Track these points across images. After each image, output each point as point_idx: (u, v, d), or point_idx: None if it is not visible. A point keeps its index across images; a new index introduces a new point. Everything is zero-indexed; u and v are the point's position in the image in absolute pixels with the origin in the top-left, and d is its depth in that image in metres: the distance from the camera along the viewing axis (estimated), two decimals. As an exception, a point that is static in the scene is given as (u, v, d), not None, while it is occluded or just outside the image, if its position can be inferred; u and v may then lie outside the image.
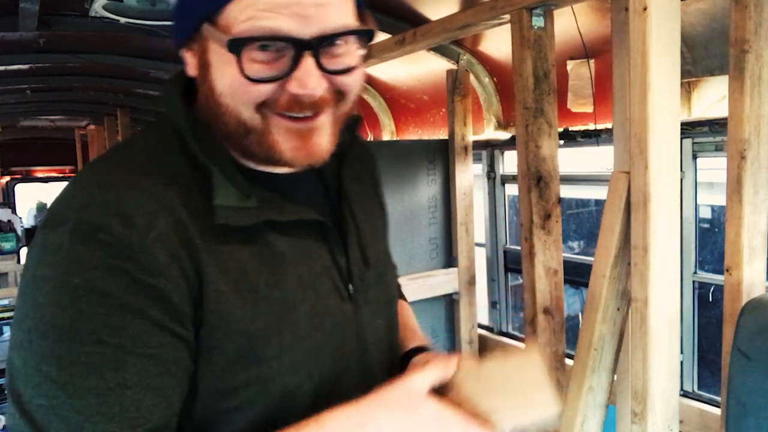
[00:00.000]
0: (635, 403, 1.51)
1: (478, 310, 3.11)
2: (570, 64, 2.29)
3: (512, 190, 2.99)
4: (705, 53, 1.91)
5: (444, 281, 3.02)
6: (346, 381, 0.77)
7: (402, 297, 1.09)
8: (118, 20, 2.48)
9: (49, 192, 8.71)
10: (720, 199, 1.60)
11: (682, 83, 1.75)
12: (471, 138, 2.97)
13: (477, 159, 3.07)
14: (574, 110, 2.33)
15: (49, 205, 0.67)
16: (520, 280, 2.20)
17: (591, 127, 2.33)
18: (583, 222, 5.05)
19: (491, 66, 2.86)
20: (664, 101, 1.42)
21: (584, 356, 1.63)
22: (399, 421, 0.69)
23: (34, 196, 8.91)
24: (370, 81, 3.59)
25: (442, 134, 3.21)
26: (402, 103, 3.62)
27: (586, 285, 1.69)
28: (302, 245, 0.74)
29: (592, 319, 1.62)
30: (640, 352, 1.48)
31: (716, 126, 1.89)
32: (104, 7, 2.35)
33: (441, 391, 0.75)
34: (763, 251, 1.51)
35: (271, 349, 0.69)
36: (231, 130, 0.69)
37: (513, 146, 2.22)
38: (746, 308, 1.43)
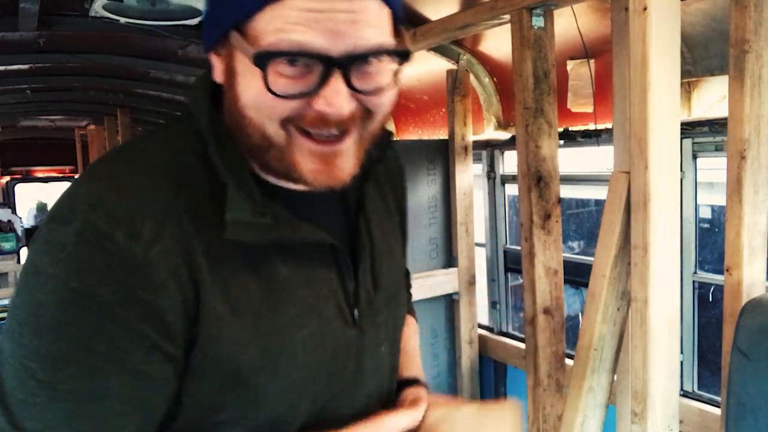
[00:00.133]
0: (635, 403, 1.51)
1: (478, 310, 3.11)
2: (570, 64, 2.29)
3: (512, 190, 2.99)
4: (705, 53, 1.91)
5: (444, 281, 3.02)
6: (338, 405, 0.76)
7: (411, 311, 1.08)
8: (118, 20, 2.48)
9: (49, 192, 8.72)
10: (720, 199, 1.60)
11: (682, 83, 1.75)
12: (471, 138, 2.97)
13: (477, 159, 3.07)
14: (574, 110, 2.33)
15: (61, 195, 0.65)
16: (520, 280, 2.20)
17: (591, 127, 2.33)
18: (583, 222, 5.05)
19: (491, 66, 2.86)
20: (664, 101, 1.42)
21: (584, 356, 1.63)
22: None
23: (34, 196, 8.92)
24: (370, 81, 3.59)
25: (442, 134, 3.21)
26: (402, 103, 3.62)
27: (586, 285, 1.69)
28: (310, 268, 0.72)
29: (592, 319, 1.62)
30: (640, 352, 1.48)
31: (716, 126, 1.89)
32: (104, 7, 2.35)
33: None
34: (763, 251, 1.51)
35: (264, 374, 0.68)
36: (254, 143, 0.66)
37: (513, 146, 2.22)
38: (746, 308, 1.43)
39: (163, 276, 0.61)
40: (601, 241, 1.63)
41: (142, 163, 0.66)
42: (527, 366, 2.04)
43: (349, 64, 0.61)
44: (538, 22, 1.81)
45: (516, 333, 3.05)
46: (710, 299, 2.42)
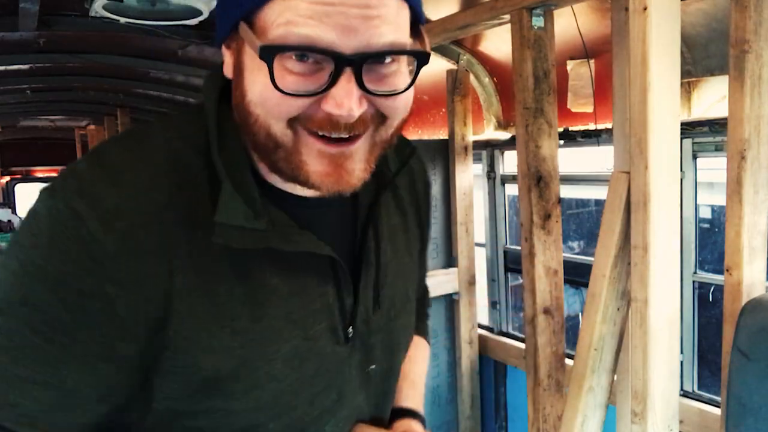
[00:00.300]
0: (635, 403, 1.51)
1: (478, 310, 3.11)
2: (570, 64, 2.29)
3: (512, 190, 2.99)
4: (705, 53, 1.91)
5: (444, 281, 3.02)
6: (321, 422, 0.73)
7: (424, 335, 1.06)
8: (118, 20, 2.48)
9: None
10: (720, 199, 1.60)
11: (682, 83, 1.75)
12: (471, 138, 2.97)
13: (477, 159, 3.07)
14: (574, 110, 2.33)
15: (68, 167, 0.64)
16: (520, 280, 2.20)
17: (591, 127, 2.33)
18: (583, 222, 5.05)
19: (491, 66, 2.86)
20: (664, 101, 1.42)
21: (584, 356, 1.63)
22: None
23: (34, 196, 8.92)
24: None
25: (442, 134, 3.21)
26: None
27: (586, 285, 1.69)
28: (305, 279, 0.69)
29: (592, 319, 1.62)
30: (640, 352, 1.48)
31: (716, 126, 1.89)
32: (104, 7, 2.35)
33: None
34: (763, 251, 1.51)
35: (240, 384, 0.65)
36: (260, 142, 0.62)
37: (513, 146, 2.22)
38: (746, 308, 1.43)
39: (130, 274, 0.59)
40: (601, 241, 1.63)
41: (147, 156, 0.63)
42: (527, 366, 2.04)
43: (361, 63, 0.57)
44: (538, 22, 1.81)
45: (516, 333, 3.05)
46: (710, 299, 2.42)
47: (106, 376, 0.61)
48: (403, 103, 0.64)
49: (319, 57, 0.58)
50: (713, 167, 2.04)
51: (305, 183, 0.63)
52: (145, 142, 0.66)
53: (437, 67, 2.96)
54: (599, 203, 3.80)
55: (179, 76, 4.34)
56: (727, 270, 1.51)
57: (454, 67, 2.85)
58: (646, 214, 1.45)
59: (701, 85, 1.99)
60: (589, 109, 2.25)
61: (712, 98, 1.97)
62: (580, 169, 2.69)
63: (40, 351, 0.58)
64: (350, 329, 0.74)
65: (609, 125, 2.19)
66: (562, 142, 2.22)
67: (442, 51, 2.79)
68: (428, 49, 0.66)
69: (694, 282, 2.12)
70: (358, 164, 0.63)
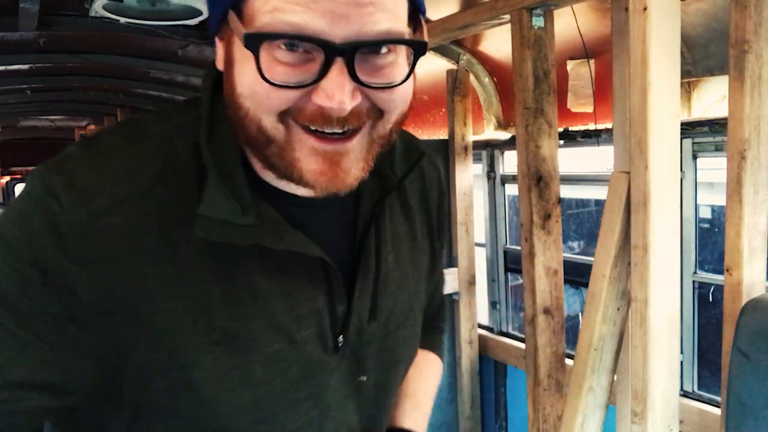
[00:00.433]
0: (635, 403, 1.51)
1: (478, 310, 3.11)
2: (570, 64, 2.29)
3: (512, 190, 2.99)
4: (705, 53, 1.91)
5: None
6: None
7: (435, 347, 1.01)
8: (118, 20, 2.48)
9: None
10: (720, 199, 1.60)
11: (682, 83, 1.75)
12: (471, 138, 2.97)
13: (477, 159, 3.07)
14: (574, 110, 2.33)
15: (69, 148, 0.63)
16: (520, 280, 2.20)
17: (591, 127, 2.33)
18: (583, 222, 5.05)
19: (491, 66, 2.86)
20: (664, 101, 1.42)
21: (584, 356, 1.63)
22: None
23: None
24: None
25: (442, 134, 3.21)
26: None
27: (586, 285, 1.69)
28: (289, 281, 0.65)
29: (592, 319, 1.62)
30: (640, 352, 1.48)
31: (716, 126, 1.89)
32: (104, 7, 2.35)
33: None
34: (763, 251, 1.51)
35: (216, 385, 0.62)
36: (251, 136, 0.59)
37: (513, 146, 2.22)
38: (746, 308, 1.43)
39: (95, 253, 0.56)
40: (601, 241, 1.63)
41: (136, 142, 0.62)
42: (527, 366, 2.04)
43: (353, 53, 0.54)
44: (538, 22, 1.81)
45: (516, 333, 3.05)
46: (710, 299, 2.42)
47: (50, 360, 0.57)
48: (402, 96, 0.60)
49: (308, 46, 0.54)
50: (713, 167, 2.04)
51: (299, 181, 0.60)
52: (138, 130, 0.64)
53: (437, 67, 2.96)
54: (599, 203, 3.80)
55: (179, 76, 4.34)
56: (727, 270, 1.51)
57: (454, 67, 2.85)
58: (646, 214, 1.45)
59: (701, 85, 1.99)
60: (589, 109, 2.25)
61: (712, 98, 1.97)
62: (580, 169, 2.69)
63: None
64: (340, 338, 0.70)
65: (609, 125, 2.19)
66: (562, 142, 2.22)
67: (442, 51, 2.79)
68: (426, 39, 0.63)
69: (694, 282, 2.12)
70: (354, 162, 0.60)
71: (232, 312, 0.62)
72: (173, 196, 0.60)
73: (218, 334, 0.61)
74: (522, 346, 2.40)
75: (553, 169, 1.97)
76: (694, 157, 2.05)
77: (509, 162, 3.00)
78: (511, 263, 3.06)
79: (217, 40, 0.63)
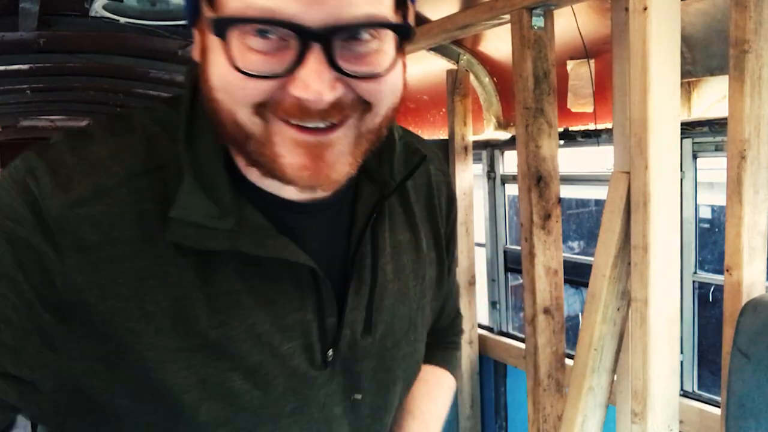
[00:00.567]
0: (635, 403, 1.51)
1: (478, 310, 3.11)
2: (570, 64, 2.29)
3: (512, 190, 2.99)
4: (705, 53, 1.91)
5: (444, 281, 3.02)
6: None
7: (447, 364, 0.96)
8: (118, 20, 2.48)
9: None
10: (720, 199, 1.60)
11: (682, 83, 1.75)
12: (471, 138, 2.97)
13: (477, 159, 3.07)
14: (574, 110, 2.33)
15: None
16: (520, 280, 2.20)
17: (591, 127, 2.32)
18: (583, 222, 5.05)
19: (491, 66, 2.86)
20: (664, 101, 1.42)
21: (584, 356, 1.63)
22: None
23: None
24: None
25: (442, 134, 3.21)
26: (401, 102, 3.62)
27: (586, 285, 1.69)
28: (278, 290, 0.61)
29: (592, 319, 1.62)
30: (640, 352, 1.48)
31: (716, 126, 1.89)
32: (104, 7, 2.35)
33: None
34: (763, 251, 1.51)
35: (187, 394, 0.58)
36: (228, 132, 0.55)
37: (513, 146, 2.22)
38: (746, 308, 1.43)
39: (71, 240, 0.54)
40: (601, 241, 1.63)
41: (119, 134, 0.60)
42: (527, 366, 2.04)
43: (330, 38, 0.50)
44: (538, 22, 1.81)
45: (516, 333, 3.05)
46: (710, 299, 2.42)
47: (12, 347, 0.54)
48: (390, 87, 0.56)
49: (282, 32, 0.50)
50: (713, 167, 2.04)
51: (281, 177, 0.56)
52: (123, 123, 0.61)
53: (437, 67, 2.96)
54: (599, 203, 3.80)
55: (179, 76, 4.33)
56: (727, 270, 1.51)
57: (454, 67, 2.85)
58: (646, 214, 1.45)
59: (701, 85, 1.99)
60: (589, 109, 2.25)
61: (712, 98, 1.97)
62: (580, 169, 2.69)
63: None
64: (330, 352, 0.66)
65: (609, 125, 2.19)
66: (562, 142, 2.22)
67: (442, 51, 2.79)
68: (413, 24, 0.59)
69: (694, 282, 2.12)
70: (339, 157, 0.55)
71: (210, 319, 0.58)
72: (155, 191, 0.57)
73: (194, 341, 0.58)
74: (522, 346, 2.40)
75: (553, 169, 1.97)
76: (694, 157, 2.05)
77: (509, 162, 3.00)
78: (511, 263, 3.06)
79: (194, 30, 0.59)
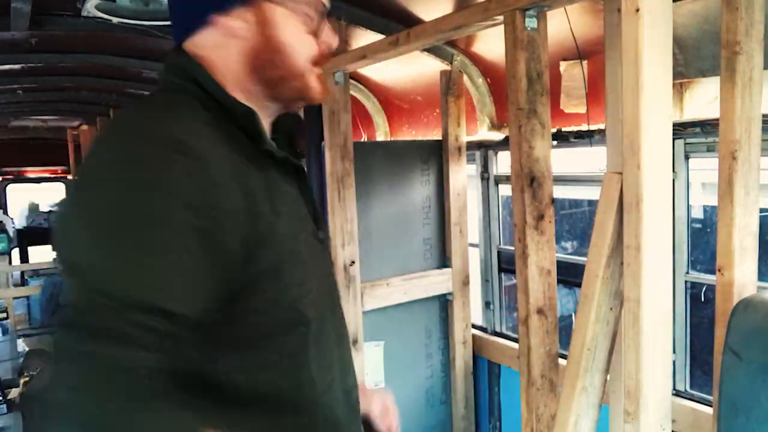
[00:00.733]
0: (628, 402, 1.52)
1: (472, 310, 3.12)
2: (563, 65, 2.30)
3: (506, 190, 3.00)
4: (697, 54, 1.92)
5: (438, 282, 3.02)
6: (328, 303, 0.96)
7: None
8: (111, 20, 2.47)
9: (41, 192, 8.65)
10: (712, 200, 1.61)
11: (674, 84, 1.76)
12: (465, 138, 2.98)
13: (471, 159, 3.08)
14: (567, 111, 2.34)
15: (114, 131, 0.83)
16: (514, 281, 2.20)
17: (584, 127, 2.33)
18: (576, 222, 5.07)
19: (485, 67, 2.87)
20: (656, 102, 1.43)
21: (577, 356, 1.64)
22: None
23: (26, 196, 8.85)
24: (364, 82, 3.59)
25: (436, 135, 3.21)
26: (396, 103, 3.62)
27: (579, 285, 1.69)
28: (293, 190, 0.91)
29: (585, 319, 1.63)
30: (632, 352, 1.49)
31: (708, 127, 1.90)
32: (96, 7, 2.34)
33: None
34: (755, 251, 1.52)
35: (288, 264, 0.84)
36: (284, 76, 0.88)
37: (506, 147, 2.23)
38: (738, 308, 1.44)
39: (220, 175, 0.75)
40: (593, 241, 1.63)
41: (195, 120, 0.81)
42: (521, 366, 2.04)
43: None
44: (531, 23, 1.82)
45: (510, 333, 3.06)
46: (702, 299, 2.43)
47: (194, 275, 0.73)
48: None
49: (321, 10, 0.90)
50: (706, 167, 2.05)
51: (311, 99, 0.92)
52: (168, 103, 0.86)
53: (431, 67, 2.96)
54: (592, 204, 3.81)
55: (172, 77, 4.30)
56: (719, 270, 1.52)
57: (448, 67, 2.86)
58: (639, 214, 1.45)
59: (693, 86, 2.00)
60: (582, 109, 2.26)
61: (704, 99, 1.98)
62: (573, 170, 2.70)
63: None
64: (320, 233, 0.96)
65: (602, 126, 2.20)
66: (555, 142, 2.23)
67: (435, 52, 2.79)
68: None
69: (686, 282, 2.13)
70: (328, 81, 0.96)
71: (283, 208, 0.85)
72: (233, 141, 0.82)
73: (285, 224, 0.84)
74: (516, 346, 2.41)
75: (546, 170, 1.97)
76: (687, 158, 2.06)
77: (503, 162, 3.01)
78: (505, 263, 3.07)
79: (221, 16, 0.84)
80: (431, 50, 2.75)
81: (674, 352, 2.07)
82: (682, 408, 1.98)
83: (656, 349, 1.49)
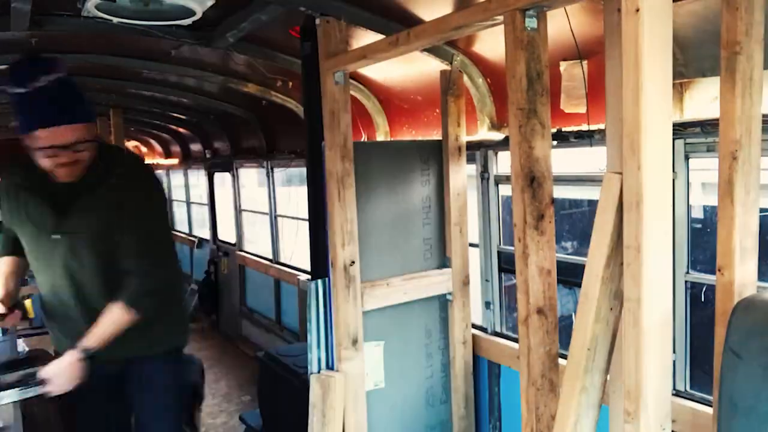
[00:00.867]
0: (628, 402, 1.52)
1: (472, 310, 3.11)
2: (563, 65, 2.30)
3: (506, 190, 3.00)
4: (697, 55, 1.92)
5: (438, 282, 3.02)
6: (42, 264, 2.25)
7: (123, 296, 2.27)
8: (111, 20, 2.47)
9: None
10: (712, 200, 1.61)
11: (674, 84, 1.76)
12: (465, 139, 2.98)
13: (471, 159, 3.08)
14: (567, 111, 2.34)
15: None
16: (514, 281, 2.20)
17: (584, 127, 2.33)
18: (576, 222, 5.07)
19: (485, 67, 2.87)
20: (656, 102, 1.43)
21: (577, 356, 1.64)
22: None
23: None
24: (364, 82, 3.59)
25: (436, 135, 3.21)
26: (396, 103, 3.62)
27: (579, 285, 1.69)
28: (35, 204, 2.13)
29: (585, 319, 1.63)
30: (632, 352, 1.49)
31: (708, 127, 1.90)
32: (97, 7, 2.34)
33: None
34: (755, 251, 1.52)
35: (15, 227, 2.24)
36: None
37: (506, 147, 2.23)
38: (738, 308, 1.44)
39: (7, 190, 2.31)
40: (594, 241, 1.63)
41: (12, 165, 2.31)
42: (521, 366, 2.04)
43: None
44: (531, 23, 1.81)
45: (510, 333, 3.06)
46: (702, 299, 2.43)
47: None
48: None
49: None
50: (707, 167, 2.05)
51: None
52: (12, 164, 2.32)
53: (431, 67, 2.96)
54: (592, 204, 3.81)
55: (172, 76, 4.32)
56: (719, 270, 1.52)
57: (448, 67, 2.86)
58: (639, 214, 1.45)
59: (693, 87, 2.00)
60: (582, 109, 2.26)
61: (704, 99, 1.98)
62: (573, 170, 2.70)
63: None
64: (56, 231, 2.13)
65: (602, 126, 2.20)
66: (555, 142, 2.23)
67: (435, 52, 2.79)
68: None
69: (686, 282, 2.13)
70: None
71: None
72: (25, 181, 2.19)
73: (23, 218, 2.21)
74: (516, 346, 2.41)
75: (546, 170, 1.97)
76: (687, 158, 2.06)
77: (503, 162, 3.01)
78: (505, 263, 3.07)
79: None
80: (431, 50, 2.75)
81: (674, 352, 2.07)
82: (682, 408, 1.98)
83: (656, 349, 1.49)
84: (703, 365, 2.19)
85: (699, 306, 2.36)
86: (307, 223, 2.98)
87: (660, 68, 1.42)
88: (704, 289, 2.39)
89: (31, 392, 2.11)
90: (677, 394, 2.12)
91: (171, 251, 2.35)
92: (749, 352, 1.37)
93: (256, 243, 6.51)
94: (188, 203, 8.43)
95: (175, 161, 8.42)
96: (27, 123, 1.91)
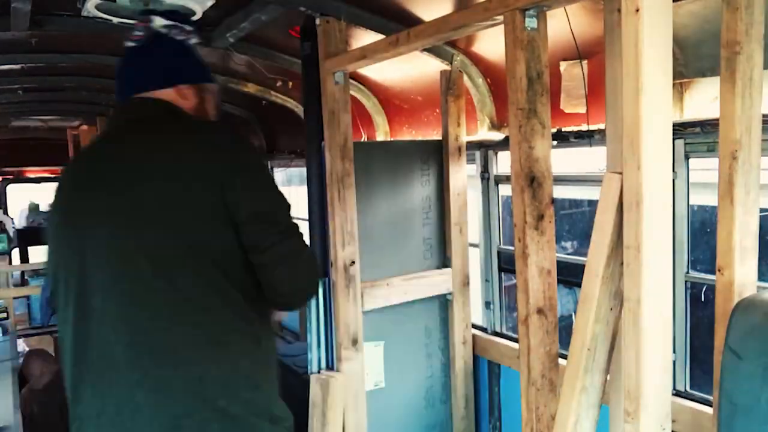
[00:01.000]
0: (628, 402, 1.52)
1: (472, 310, 3.11)
2: (563, 65, 2.30)
3: (506, 190, 3.00)
4: (697, 55, 1.92)
5: (438, 282, 3.02)
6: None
7: None
8: (111, 20, 2.47)
9: (41, 192, 8.64)
10: (712, 200, 1.61)
11: (674, 84, 1.76)
12: (465, 138, 2.98)
13: (471, 159, 3.08)
14: (566, 111, 2.34)
15: (237, 138, 1.67)
16: (514, 281, 2.20)
17: (584, 127, 2.33)
18: (576, 222, 5.07)
19: (485, 67, 2.87)
20: (656, 102, 1.43)
21: (577, 356, 1.64)
22: None
23: (26, 196, 8.84)
24: (364, 81, 3.59)
25: (436, 135, 3.21)
26: (396, 103, 3.62)
27: (579, 285, 1.69)
28: None
29: (585, 319, 1.63)
30: (632, 352, 1.49)
31: (708, 127, 1.90)
32: (97, 7, 2.34)
33: None
34: (755, 251, 1.52)
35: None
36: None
37: (506, 147, 2.23)
38: (738, 308, 1.44)
39: None
40: (593, 241, 1.63)
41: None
42: (521, 366, 2.04)
43: None
44: (531, 23, 1.81)
45: (510, 333, 3.06)
46: (702, 299, 2.43)
47: None
48: None
49: None
50: (706, 167, 2.05)
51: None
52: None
53: (431, 67, 2.96)
54: (592, 204, 3.81)
55: (172, 77, 4.29)
56: (719, 270, 1.52)
57: (448, 67, 2.86)
58: (639, 214, 1.45)
59: (693, 86, 2.00)
60: (582, 109, 2.26)
61: (705, 99, 1.98)
62: (573, 170, 2.70)
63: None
64: None
65: (601, 126, 2.20)
66: (555, 142, 2.23)
67: (435, 52, 2.79)
68: None
69: (686, 281, 2.13)
70: None
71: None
72: None
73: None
74: (516, 346, 2.41)
75: (546, 170, 1.97)
76: (687, 158, 2.06)
77: (503, 162, 3.01)
78: (505, 263, 3.07)
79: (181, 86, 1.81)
80: (431, 50, 2.75)
81: (674, 352, 2.07)
82: (682, 408, 1.98)
83: (656, 349, 1.49)
84: (703, 365, 2.19)
85: (699, 306, 2.36)
86: (307, 223, 2.98)
87: (660, 68, 1.42)
88: (704, 289, 2.39)
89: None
90: (677, 394, 2.12)
91: None
92: (749, 351, 1.37)
93: (256, 243, 6.49)
94: (188, 203, 8.40)
95: (175, 161, 8.39)
96: (207, 73, 2.05)
